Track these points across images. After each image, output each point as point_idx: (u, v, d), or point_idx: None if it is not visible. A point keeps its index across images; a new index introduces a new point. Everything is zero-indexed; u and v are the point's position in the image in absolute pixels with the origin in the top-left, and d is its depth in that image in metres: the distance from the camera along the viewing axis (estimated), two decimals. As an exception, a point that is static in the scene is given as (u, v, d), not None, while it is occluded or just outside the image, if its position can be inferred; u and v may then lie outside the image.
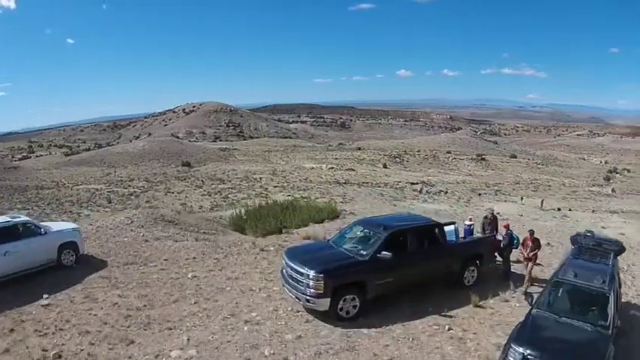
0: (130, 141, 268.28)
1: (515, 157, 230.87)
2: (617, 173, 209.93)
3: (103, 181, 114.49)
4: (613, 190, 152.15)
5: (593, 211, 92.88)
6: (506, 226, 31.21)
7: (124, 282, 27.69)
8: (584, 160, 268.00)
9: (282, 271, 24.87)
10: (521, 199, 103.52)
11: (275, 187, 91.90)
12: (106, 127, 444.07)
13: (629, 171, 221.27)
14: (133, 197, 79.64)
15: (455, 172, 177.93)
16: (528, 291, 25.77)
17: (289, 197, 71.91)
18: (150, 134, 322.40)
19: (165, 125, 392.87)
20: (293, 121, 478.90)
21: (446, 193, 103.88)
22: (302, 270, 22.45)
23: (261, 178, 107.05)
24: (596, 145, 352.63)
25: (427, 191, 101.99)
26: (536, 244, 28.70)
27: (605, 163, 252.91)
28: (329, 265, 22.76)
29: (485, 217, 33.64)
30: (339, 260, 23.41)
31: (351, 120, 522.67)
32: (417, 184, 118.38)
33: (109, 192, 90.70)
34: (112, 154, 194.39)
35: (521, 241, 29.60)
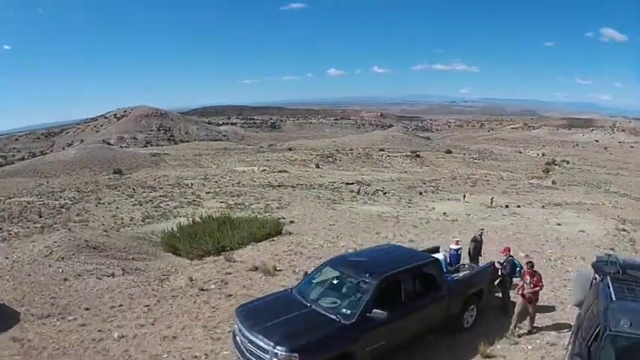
0: (63, 149, 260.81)
1: (450, 152, 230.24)
2: (556, 165, 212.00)
3: (35, 193, 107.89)
4: (553, 182, 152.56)
5: (543, 206, 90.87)
6: (507, 251, 25.70)
7: (38, 348, 21.23)
8: (521, 153, 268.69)
9: (234, 337, 18.57)
10: (464, 196, 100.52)
11: (207, 193, 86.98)
12: (40, 135, 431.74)
13: (568, 162, 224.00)
14: (64, 210, 74.02)
15: (389, 169, 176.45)
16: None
17: (222, 204, 69.00)
18: (82, 141, 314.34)
19: (98, 132, 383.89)
20: (223, 123, 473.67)
21: (385, 193, 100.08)
22: (265, 345, 16.21)
23: (192, 184, 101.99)
24: (532, 137, 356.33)
25: (365, 192, 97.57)
26: (537, 278, 22.64)
27: (543, 155, 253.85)
28: (303, 336, 16.57)
29: (474, 240, 29.34)
30: (315, 327, 17.18)
31: (282, 120, 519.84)
32: (352, 184, 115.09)
33: (40, 204, 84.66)
34: (45, 163, 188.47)
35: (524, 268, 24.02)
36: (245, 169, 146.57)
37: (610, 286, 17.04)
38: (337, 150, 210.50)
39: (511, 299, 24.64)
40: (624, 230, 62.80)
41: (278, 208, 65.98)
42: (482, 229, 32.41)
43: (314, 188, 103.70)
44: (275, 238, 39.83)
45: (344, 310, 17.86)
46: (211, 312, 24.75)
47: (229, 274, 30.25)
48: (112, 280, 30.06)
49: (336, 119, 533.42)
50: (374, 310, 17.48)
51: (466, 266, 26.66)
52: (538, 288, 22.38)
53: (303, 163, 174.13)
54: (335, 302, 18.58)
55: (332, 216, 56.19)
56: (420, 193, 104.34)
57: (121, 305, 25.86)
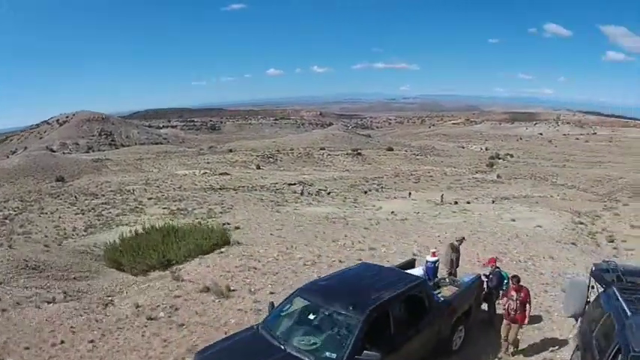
0: (7, 157, 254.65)
1: (391, 149, 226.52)
2: (500, 159, 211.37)
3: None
4: (499, 176, 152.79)
5: (493, 201, 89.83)
6: (493, 262, 23.23)
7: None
8: (464, 148, 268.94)
9: None
10: (410, 194, 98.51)
11: (149, 198, 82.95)
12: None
13: (511, 156, 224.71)
14: (7, 221, 70.04)
15: (331, 168, 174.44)
16: None
17: (165, 210, 65.29)
18: (26, 148, 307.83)
19: (41, 138, 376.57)
20: (164, 126, 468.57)
21: (329, 193, 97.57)
22: None
23: (134, 190, 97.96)
24: (474, 132, 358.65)
25: (309, 192, 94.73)
26: (525, 294, 19.46)
27: (486, 149, 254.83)
28: None
29: (454, 249, 25.67)
30: None
31: (222, 122, 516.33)
32: (294, 184, 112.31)
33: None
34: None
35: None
36: (186, 172, 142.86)
37: (619, 298, 15.68)
38: (278, 150, 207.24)
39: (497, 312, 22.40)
40: (581, 223, 61.58)
41: (221, 212, 62.31)
42: (463, 237, 28.90)
43: (256, 190, 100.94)
44: (223, 250, 35.43)
45: (327, 354, 14.35)
46: (163, 347, 21.00)
47: (178, 297, 26.11)
48: (52, 309, 25.43)
49: (275, 119, 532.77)
50: (364, 352, 14.02)
51: (447, 280, 23.08)
52: (527, 306, 19.41)
53: (244, 165, 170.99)
54: (314, 343, 14.97)
55: (278, 219, 52.96)
56: (365, 192, 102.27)
57: (62, 342, 21.61)
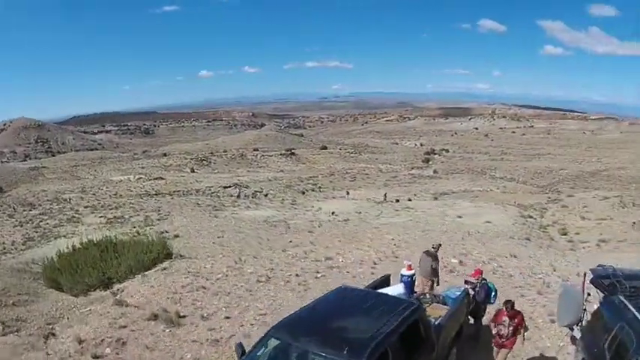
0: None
1: (325, 148, 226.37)
2: (435, 154, 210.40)
3: None
4: (435, 172, 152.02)
5: (436, 198, 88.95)
6: (479, 274, 20.76)
7: None
8: (397, 144, 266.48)
9: None
10: (347, 193, 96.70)
11: (86, 207, 79.74)
12: None
13: (447, 151, 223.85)
14: None
15: (265, 169, 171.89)
16: None
17: (102, 218, 62.12)
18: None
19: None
20: (98, 132, 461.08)
21: (266, 195, 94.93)
22: None
23: (70, 199, 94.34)
24: (407, 128, 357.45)
25: (245, 195, 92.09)
26: (519, 320, 17.36)
27: (421, 145, 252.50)
28: None
29: (432, 257, 23.08)
30: None
31: (155, 125, 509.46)
32: (230, 187, 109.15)
33: None
34: None
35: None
36: (121, 178, 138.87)
37: (630, 307, 14.75)
38: (211, 152, 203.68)
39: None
40: (530, 217, 61.35)
41: (159, 219, 59.25)
42: (440, 244, 25.73)
43: (192, 194, 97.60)
44: (166, 265, 32.27)
45: None
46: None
47: (124, 327, 22.48)
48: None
49: (208, 121, 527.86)
50: None
51: (428, 297, 20.17)
52: (520, 331, 17.40)
53: (179, 168, 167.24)
54: None
55: (217, 225, 50.17)
56: (303, 193, 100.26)
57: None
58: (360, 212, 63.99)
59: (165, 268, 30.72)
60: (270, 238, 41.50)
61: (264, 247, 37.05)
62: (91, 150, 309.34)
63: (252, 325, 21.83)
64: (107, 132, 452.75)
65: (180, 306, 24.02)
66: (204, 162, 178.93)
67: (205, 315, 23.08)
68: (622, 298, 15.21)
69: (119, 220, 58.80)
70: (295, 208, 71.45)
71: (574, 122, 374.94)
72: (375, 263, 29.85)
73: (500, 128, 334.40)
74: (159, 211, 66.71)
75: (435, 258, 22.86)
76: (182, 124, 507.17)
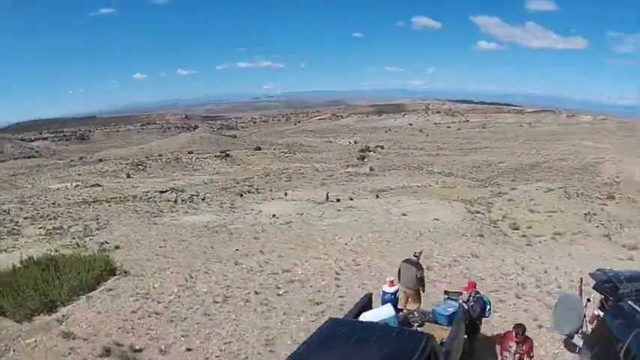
0: None
1: (259, 148, 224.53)
2: (370, 151, 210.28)
3: None
4: (371, 169, 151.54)
5: (377, 196, 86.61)
6: (472, 287, 18.94)
7: None
8: (332, 142, 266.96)
9: None
10: (286, 194, 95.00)
11: (25, 218, 76.87)
12: None
13: (382, 148, 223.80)
14: None
15: (200, 172, 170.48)
16: None
17: (42, 230, 58.37)
18: None
19: None
20: (35, 139, 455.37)
21: (204, 199, 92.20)
22: None
23: (9, 210, 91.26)
24: (341, 126, 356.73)
25: (182, 199, 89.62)
26: (528, 347, 15.52)
27: (355, 143, 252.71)
28: None
29: (416, 266, 20.77)
30: None
31: (90, 131, 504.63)
32: (166, 191, 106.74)
33: None
34: None
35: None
36: (59, 186, 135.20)
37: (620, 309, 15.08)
38: (147, 157, 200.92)
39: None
40: (478, 212, 60.04)
41: (98, 229, 55.90)
42: (421, 251, 23.30)
43: (129, 200, 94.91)
44: (111, 285, 28.59)
45: None
46: None
47: None
48: None
49: (142, 125, 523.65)
50: None
51: (416, 315, 18.04)
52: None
53: (115, 174, 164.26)
54: None
55: (157, 234, 47.32)
56: (241, 195, 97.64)
57: None
58: (302, 214, 61.79)
59: (110, 289, 27.21)
60: (214, 246, 39.01)
61: (211, 257, 34.19)
62: (29, 158, 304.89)
63: (218, 357, 19.38)
64: (44, 139, 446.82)
65: (134, 337, 21.19)
66: (139, 167, 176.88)
67: (164, 347, 20.32)
68: (631, 303, 14.69)
69: (58, 231, 55.78)
70: (234, 212, 69.05)
71: (510, 116, 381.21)
72: (337, 274, 27.69)
73: (435, 124, 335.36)
74: (97, 219, 64.01)
75: (420, 267, 20.79)
76: (117, 128, 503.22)
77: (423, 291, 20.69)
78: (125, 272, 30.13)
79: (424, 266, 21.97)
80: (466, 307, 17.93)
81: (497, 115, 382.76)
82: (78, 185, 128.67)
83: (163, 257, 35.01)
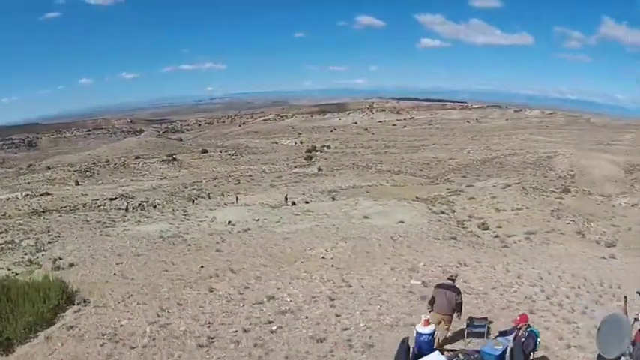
0: None
1: (206, 152, 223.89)
2: (317, 151, 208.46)
3: None
4: (320, 169, 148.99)
5: (334, 198, 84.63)
6: (524, 320, 16.97)
7: None
8: (277, 143, 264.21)
9: None
10: (237, 198, 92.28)
11: None
12: None
13: (328, 147, 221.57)
14: None
15: (148, 177, 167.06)
16: None
17: None
18: None
19: None
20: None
21: (155, 206, 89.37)
22: None
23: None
24: (285, 127, 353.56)
25: (133, 207, 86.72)
26: None
27: (301, 143, 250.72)
28: None
29: (451, 289, 18.56)
30: None
31: (38, 138, 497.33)
32: (116, 198, 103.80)
33: None
34: None
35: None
36: (9, 196, 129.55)
37: None
38: (94, 163, 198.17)
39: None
40: (442, 213, 58.41)
41: (50, 242, 53.23)
42: (457, 274, 20.99)
43: (79, 210, 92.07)
44: (72, 320, 23.96)
45: None
46: None
47: None
48: None
49: (88, 131, 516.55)
50: None
51: (461, 356, 15.59)
52: None
53: (63, 182, 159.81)
54: None
55: (112, 247, 43.34)
56: (193, 202, 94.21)
57: None
58: (258, 219, 59.32)
59: (71, 327, 22.73)
60: (174, 261, 35.02)
61: (176, 278, 29.71)
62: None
63: None
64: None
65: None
66: (87, 173, 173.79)
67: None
68: None
69: (10, 246, 53.08)
70: (188, 219, 66.23)
71: (456, 112, 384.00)
72: (331, 299, 23.93)
73: (380, 122, 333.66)
74: (49, 232, 61.12)
75: (459, 291, 18.53)
76: (63, 134, 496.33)
77: (459, 318, 18.50)
78: (85, 301, 25.62)
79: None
80: (510, 343, 16.13)
81: (442, 111, 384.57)
82: (28, 195, 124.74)
83: (122, 278, 30.71)
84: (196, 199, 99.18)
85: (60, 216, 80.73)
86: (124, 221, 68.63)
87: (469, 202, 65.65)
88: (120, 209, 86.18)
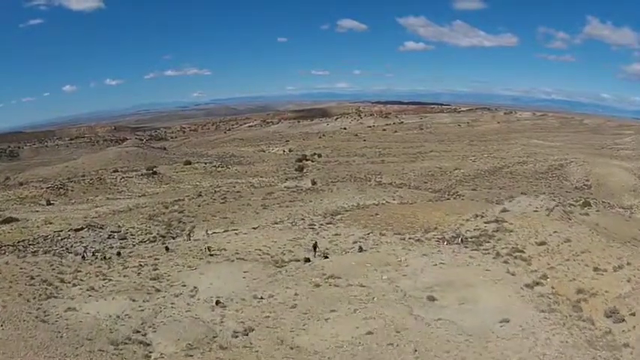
0: None
1: (189, 162, 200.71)
2: (308, 160, 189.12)
3: None
4: (314, 182, 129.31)
5: (361, 248, 60.01)
6: None
7: None
8: (264, 151, 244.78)
9: None
10: (225, 249, 63.18)
11: None
12: None
13: (320, 155, 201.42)
14: None
15: (125, 194, 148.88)
16: None
17: None
18: None
19: None
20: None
21: (119, 253, 65.70)
22: None
23: None
24: (272, 133, 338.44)
25: (94, 252, 65.83)
26: None
27: (290, 151, 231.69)
28: None
29: None
30: None
31: (19, 147, 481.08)
32: (82, 228, 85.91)
33: None
34: None
35: None
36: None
37: None
38: (69, 178, 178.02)
39: None
40: (536, 284, 39.17)
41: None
42: None
43: (33, 246, 77.08)
44: None
45: None
46: None
47: None
48: None
49: (71, 139, 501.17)
50: None
51: None
52: None
53: (34, 201, 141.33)
54: None
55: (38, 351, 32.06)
56: (167, 249, 66.34)
57: None
58: (262, 298, 41.59)
59: None
60: None
61: None
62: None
63: None
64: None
65: None
66: (61, 191, 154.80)
67: None
68: None
69: None
70: (158, 291, 46.50)
71: (445, 115, 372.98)
72: None
73: (369, 127, 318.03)
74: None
75: None
76: (45, 143, 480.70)
77: None
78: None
79: None
80: None
81: (432, 115, 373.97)
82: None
83: None
84: (172, 239, 75.90)
85: (7, 263, 60.14)
86: (74, 285, 49.87)
87: (544, 251, 45.26)
88: (77, 255, 66.73)
